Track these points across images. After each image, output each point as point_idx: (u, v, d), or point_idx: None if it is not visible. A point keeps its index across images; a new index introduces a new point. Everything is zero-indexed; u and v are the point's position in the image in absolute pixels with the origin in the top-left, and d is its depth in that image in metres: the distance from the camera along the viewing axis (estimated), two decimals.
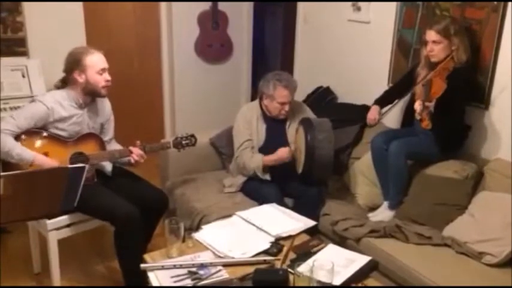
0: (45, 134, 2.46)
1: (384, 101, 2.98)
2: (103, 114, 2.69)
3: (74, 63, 2.48)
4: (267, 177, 2.87)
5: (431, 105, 2.48)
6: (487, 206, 2.42)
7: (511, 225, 2.26)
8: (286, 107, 2.86)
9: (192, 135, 2.83)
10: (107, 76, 2.53)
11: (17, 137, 2.39)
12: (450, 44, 2.56)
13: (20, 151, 2.34)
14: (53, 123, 2.45)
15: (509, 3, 2.54)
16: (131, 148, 2.63)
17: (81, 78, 2.48)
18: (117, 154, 2.63)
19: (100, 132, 2.67)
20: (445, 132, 2.61)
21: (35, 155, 2.37)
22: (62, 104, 2.48)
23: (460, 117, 2.65)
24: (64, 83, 2.56)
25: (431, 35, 2.59)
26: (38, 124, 2.43)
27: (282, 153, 2.79)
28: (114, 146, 2.74)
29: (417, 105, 2.50)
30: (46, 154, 2.43)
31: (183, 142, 2.81)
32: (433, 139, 2.65)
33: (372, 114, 2.95)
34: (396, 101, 2.89)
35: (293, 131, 2.93)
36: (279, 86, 2.82)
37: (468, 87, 2.59)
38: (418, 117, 2.55)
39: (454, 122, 2.62)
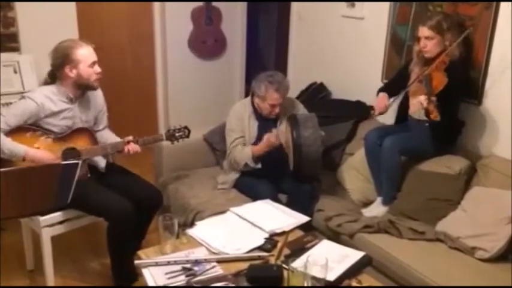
0: (36, 130, 2.43)
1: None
2: (95, 107, 2.65)
3: (63, 58, 2.42)
4: (259, 165, 2.87)
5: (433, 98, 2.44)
6: (479, 201, 2.44)
7: (503, 221, 2.28)
8: (277, 109, 2.87)
9: (185, 127, 2.82)
10: (97, 68, 2.49)
11: (8, 135, 2.36)
12: (443, 39, 2.58)
13: (11, 146, 2.32)
14: (44, 119, 2.42)
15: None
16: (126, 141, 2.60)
17: (72, 73, 2.43)
18: (110, 148, 2.61)
19: (94, 124, 2.64)
20: (443, 125, 2.59)
21: (26, 148, 2.35)
22: (52, 99, 2.44)
23: (456, 111, 2.66)
24: (53, 78, 2.51)
25: (423, 30, 2.60)
26: (29, 121, 2.40)
27: (269, 137, 2.77)
28: (108, 135, 2.71)
29: (423, 100, 2.42)
30: None
31: (177, 134, 2.78)
32: (427, 135, 2.65)
33: (382, 102, 2.76)
34: (392, 99, 2.85)
35: (284, 128, 2.93)
36: (270, 88, 2.81)
37: (464, 80, 2.61)
38: (420, 112, 2.56)
39: (452, 114, 2.62)
